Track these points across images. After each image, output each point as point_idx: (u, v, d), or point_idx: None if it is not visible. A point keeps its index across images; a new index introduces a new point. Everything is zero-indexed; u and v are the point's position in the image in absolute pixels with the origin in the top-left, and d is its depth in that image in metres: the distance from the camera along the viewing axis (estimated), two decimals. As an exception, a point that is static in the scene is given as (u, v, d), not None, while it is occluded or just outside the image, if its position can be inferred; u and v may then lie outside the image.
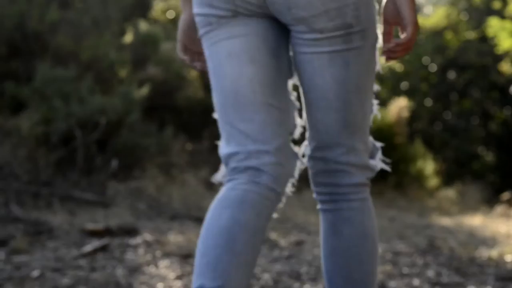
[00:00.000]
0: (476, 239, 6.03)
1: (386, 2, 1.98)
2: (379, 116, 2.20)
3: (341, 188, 2.09)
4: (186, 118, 10.46)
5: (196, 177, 7.72)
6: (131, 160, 7.82)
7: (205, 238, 1.90)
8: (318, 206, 2.16)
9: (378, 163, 2.16)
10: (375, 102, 2.15)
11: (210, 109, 8.86)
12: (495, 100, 20.51)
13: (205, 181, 7.93)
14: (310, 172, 2.14)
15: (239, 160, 1.99)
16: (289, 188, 2.13)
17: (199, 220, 6.44)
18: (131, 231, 5.37)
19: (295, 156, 2.11)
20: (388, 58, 2.00)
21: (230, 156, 2.02)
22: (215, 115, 2.10)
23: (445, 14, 19.50)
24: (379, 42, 2.06)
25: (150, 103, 9.17)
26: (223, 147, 2.06)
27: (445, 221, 7.98)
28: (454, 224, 7.46)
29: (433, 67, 19.81)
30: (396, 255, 4.90)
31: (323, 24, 1.92)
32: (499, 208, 8.86)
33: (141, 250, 4.73)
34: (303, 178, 7.15)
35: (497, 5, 15.44)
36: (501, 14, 14.54)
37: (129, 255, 4.55)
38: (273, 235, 5.64)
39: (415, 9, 1.93)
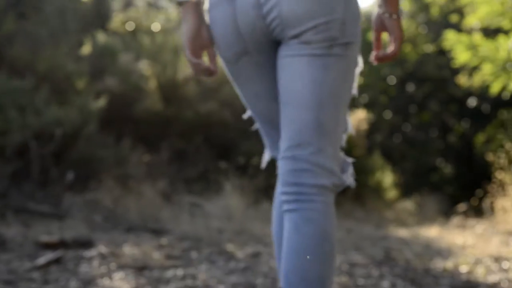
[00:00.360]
0: (432, 251, 6.06)
1: (376, 18, 2.26)
2: (353, 133, 2.41)
3: (306, 188, 2.14)
4: (144, 129, 10.42)
5: (153, 189, 7.68)
6: (87, 171, 7.77)
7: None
8: (284, 208, 2.19)
9: (348, 178, 2.27)
10: (350, 120, 2.32)
11: (168, 121, 8.83)
12: (454, 112, 20.70)
13: (162, 192, 7.90)
14: (279, 173, 2.22)
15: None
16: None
17: (155, 232, 6.41)
18: (86, 243, 5.32)
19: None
20: (376, 60, 2.31)
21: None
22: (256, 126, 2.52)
23: (404, 27, 19.69)
24: (360, 66, 2.28)
25: (107, 115, 9.12)
26: (272, 150, 2.45)
27: (402, 232, 8.02)
28: (410, 236, 7.50)
29: (392, 80, 19.95)
30: (352, 266, 4.90)
31: (310, 36, 2.11)
32: (456, 220, 8.93)
33: (95, 263, 4.68)
34: (261, 190, 7.11)
35: (454, 18, 15.59)
36: (458, 27, 14.68)
37: (83, 268, 4.50)
38: (229, 247, 5.62)
39: (402, 28, 2.25)
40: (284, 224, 2.19)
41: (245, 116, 2.55)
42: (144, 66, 10.60)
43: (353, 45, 2.17)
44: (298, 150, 2.16)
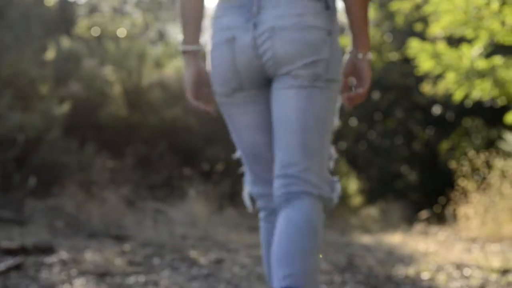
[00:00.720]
0: (394, 257, 6.08)
1: (347, 62, 2.54)
2: (337, 159, 2.68)
3: (295, 193, 2.42)
4: (108, 135, 10.37)
5: (117, 195, 7.64)
6: (50, 177, 7.71)
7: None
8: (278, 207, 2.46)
9: (335, 196, 2.54)
10: (333, 149, 2.58)
11: (133, 126, 8.80)
12: (418, 120, 20.84)
13: (126, 199, 7.86)
14: (274, 188, 2.46)
15: (266, 202, 2.60)
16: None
17: (118, 238, 6.37)
18: (47, 250, 5.26)
19: None
20: (349, 104, 2.60)
21: (258, 195, 2.63)
22: (238, 155, 2.70)
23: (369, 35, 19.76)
24: (340, 101, 2.58)
25: (71, 120, 9.06)
26: (252, 187, 2.66)
27: (366, 239, 8.04)
28: (374, 242, 7.52)
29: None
30: (315, 273, 4.90)
31: (298, 72, 2.41)
32: (419, 227, 8.97)
33: (56, 269, 4.64)
34: (225, 196, 7.09)
35: (419, 27, 15.70)
36: (423, 36, 14.78)
37: (44, 274, 4.46)
38: (192, 253, 5.61)
39: (371, 70, 2.59)
40: (277, 222, 2.42)
41: (236, 156, 2.74)
42: (109, 72, 10.55)
43: (335, 82, 2.47)
44: (288, 169, 2.42)
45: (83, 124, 9.97)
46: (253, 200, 2.71)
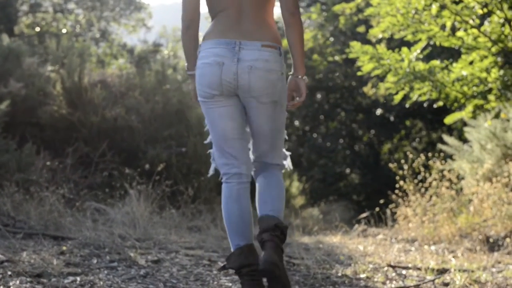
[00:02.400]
0: (333, 258, 6.13)
1: (290, 80, 4.02)
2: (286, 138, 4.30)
3: (268, 165, 4.14)
4: (49, 134, 10.26)
5: (56, 195, 7.54)
6: (-13, 176, 7.59)
7: (228, 221, 3.93)
8: (255, 176, 4.18)
9: (288, 163, 4.33)
10: (285, 132, 4.20)
11: (74, 125, 8.68)
12: (361, 122, 21.00)
13: (65, 198, 7.77)
14: (253, 167, 4.17)
15: (228, 168, 3.99)
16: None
17: (56, 238, 6.30)
18: (-18, 250, 5.19)
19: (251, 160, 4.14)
20: (291, 106, 4.07)
21: (223, 164, 4.02)
22: (208, 141, 4.27)
23: (313, 37, 19.85)
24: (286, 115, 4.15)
25: (11, 119, 8.95)
26: (218, 158, 4.05)
27: (306, 239, 8.09)
28: (314, 243, 7.57)
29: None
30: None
31: (262, 98, 3.89)
32: (359, 227, 9.05)
33: (-9, 270, 4.57)
34: (166, 197, 7.03)
35: (362, 29, 15.84)
36: (366, 38, 14.91)
37: (-22, 275, 4.39)
38: (132, 254, 5.57)
39: (306, 85, 4.01)
40: (256, 184, 4.12)
41: (206, 142, 4.38)
42: (50, 70, 10.44)
43: (283, 104, 4.00)
44: (263, 158, 4.13)
45: (23, 123, 9.85)
46: (216, 170, 4.26)
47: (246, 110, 4.01)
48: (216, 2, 3.96)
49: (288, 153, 4.32)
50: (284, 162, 4.24)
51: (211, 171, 4.36)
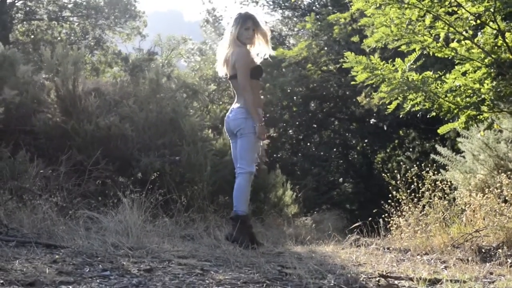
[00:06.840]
0: (325, 267, 6.13)
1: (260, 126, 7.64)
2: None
3: (240, 170, 7.69)
4: (43, 142, 10.26)
5: (49, 203, 7.54)
6: (-20, 184, 7.58)
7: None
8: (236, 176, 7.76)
9: (253, 169, 7.73)
10: (257, 155, 7.90)
11: (68, 133, 8.66)
12: (354, 131, 21.03)
13: (58, 206, 7.77)
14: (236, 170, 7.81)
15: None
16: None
17: (48, 246, 6.30)
18: (-25, 258, 5.17)
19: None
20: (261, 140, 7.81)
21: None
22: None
23: (307, 46, 19.86)
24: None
25: (5, 126, 8.95)
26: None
27: (299, 249, 8.09)
28: (306, 252, 7.57)
29: (298, 98, 20.12)
30: (246, 284, 4.92)
31: (237, 133, 7.66)
32: (352, 237, 9.05)
33: (-17, 278, 4.56)
34: (159, 205, 7.02)
35: (356, 39, 15.87)
36: (359, 47, 14.91)
37: (-30, 284, 4.39)
38: (124, 262, 5.57)
39: (264, 129, 7.60)
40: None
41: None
42: (44, 78, 10.43)
43: (250, 133, 7.53)
44: (238, 164, 7.68)
45: (17, 130, 9.85)
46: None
47: None
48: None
49: (255, 166, 7.82)
50: (250, 169, 7.73)
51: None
